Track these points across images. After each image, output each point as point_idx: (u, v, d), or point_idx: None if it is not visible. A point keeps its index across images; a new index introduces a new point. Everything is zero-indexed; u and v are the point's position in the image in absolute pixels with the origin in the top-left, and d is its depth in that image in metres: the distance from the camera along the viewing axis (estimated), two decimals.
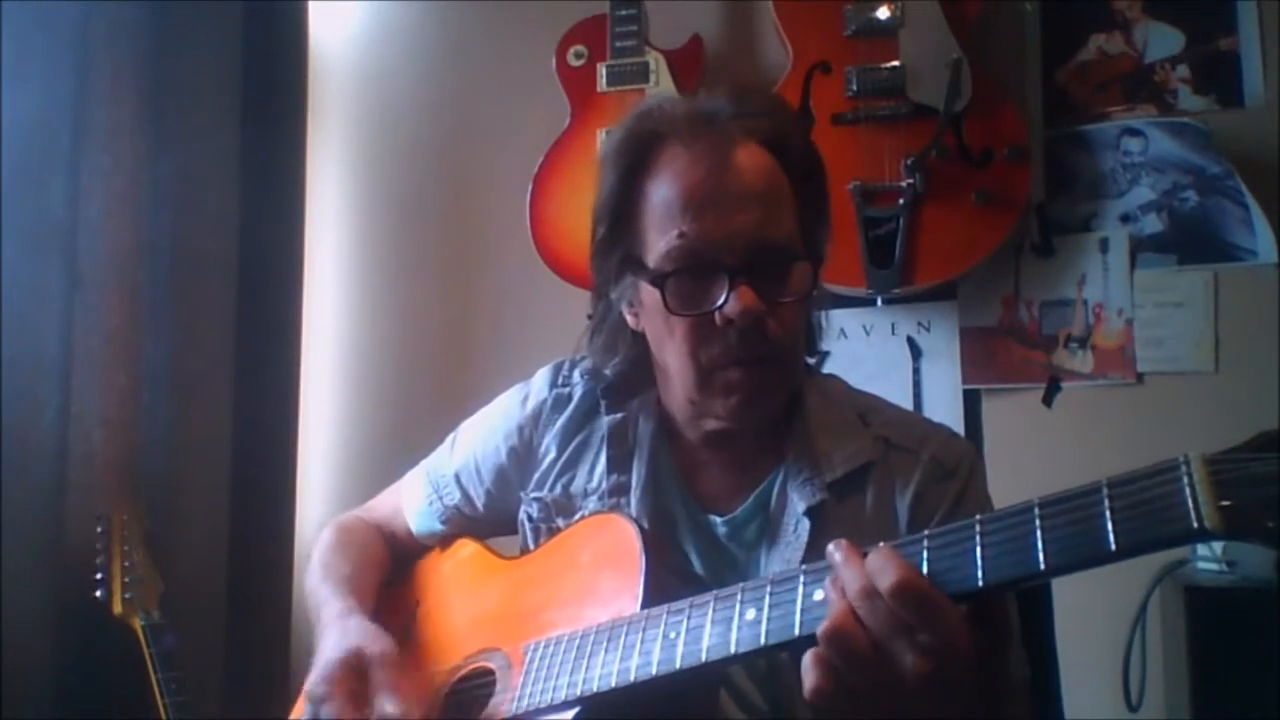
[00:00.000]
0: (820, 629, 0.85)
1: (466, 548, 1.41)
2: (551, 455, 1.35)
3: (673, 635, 0.98)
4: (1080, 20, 2.38)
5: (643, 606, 1.04)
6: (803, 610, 0.89)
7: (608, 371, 1.33)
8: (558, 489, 1.32)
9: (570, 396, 1.37)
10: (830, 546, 0.88)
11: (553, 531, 1.29)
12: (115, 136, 2.20)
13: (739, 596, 0.95)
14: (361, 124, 2.81)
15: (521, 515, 1.35)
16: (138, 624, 2.00)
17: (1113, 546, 0.76)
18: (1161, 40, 2.33)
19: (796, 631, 0.89)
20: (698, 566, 1.23)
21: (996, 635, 0.88)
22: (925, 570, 0.84)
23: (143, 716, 1.95)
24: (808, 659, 0.86)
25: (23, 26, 2.06)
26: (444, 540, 1.44)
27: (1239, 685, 1.77)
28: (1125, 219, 2.31)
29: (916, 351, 2.40)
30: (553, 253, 2.44)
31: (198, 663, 2.14)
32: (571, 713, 1.04)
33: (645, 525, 1.16)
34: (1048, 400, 2.33)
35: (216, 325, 2.40)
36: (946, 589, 0.83)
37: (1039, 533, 0.80)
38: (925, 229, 2.25)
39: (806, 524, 1.17)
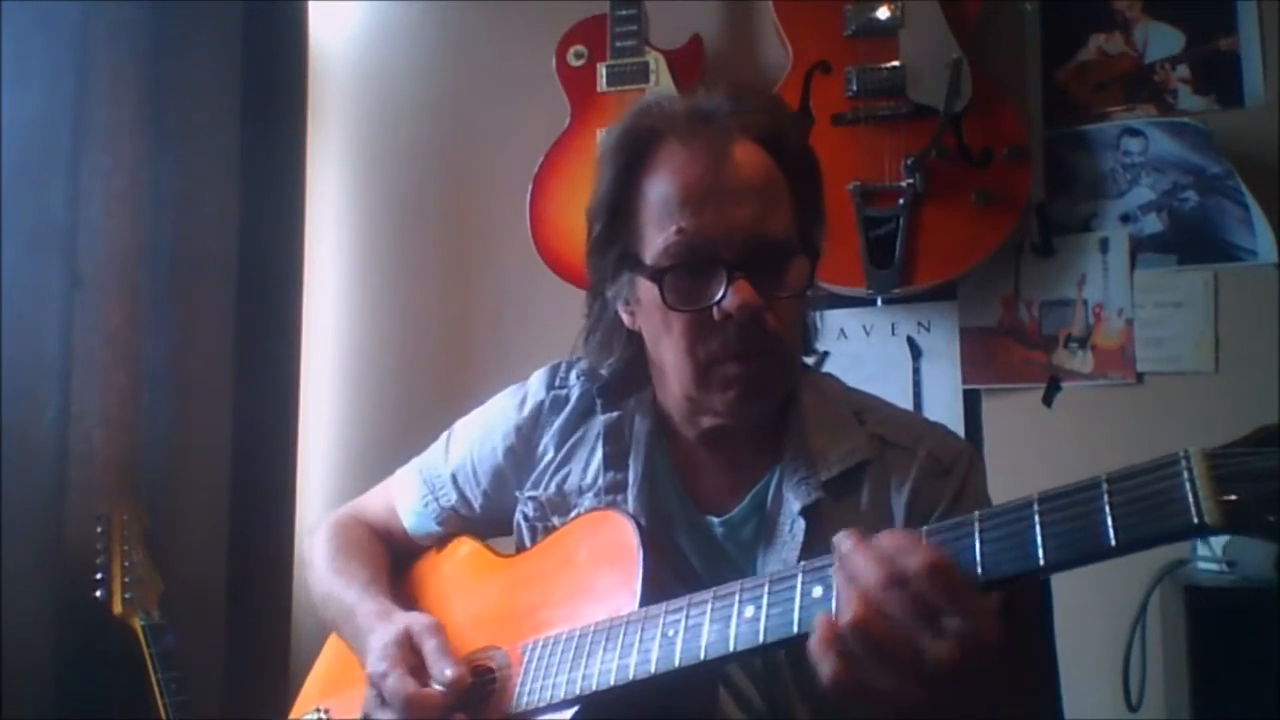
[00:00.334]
0: (844, 621, 0.83)
1: (464, 546, 1.41)
2: (549, 455, 1.35)
3: (671, 633, 0.98)
4: (1080, 20, 2.38)
5: (640, 604, 1.04)
6: (801, 608, 0.89)
7: (603, 371, 1.33)
8: (552, 487, 1.32)
9: (567, 398, 1.37)
10: (838, 537, 0.88)
11: (549, 530, 1.29)
12: (115, 136, 2.20)
13: (737, 594, 0.95)
14: (361, 124, 2.81)
15: (517, 514, 1.35)
16: (138, 624, 2.00)
17: (1112, 541, 0.76)
18: (1161, 40, 2.33)
19: (795, 629, 0.89)
20: (694, 566, 1.23)
21: (1024, 626, 0.87)
22: None
23: (143, 716, 1.95)
24: (818, 647, 0.84)
25: (23, 26, 2.06)
26: (440, 540, 1.44)
27: (1239, 685, 1.77)
28: (1125, 219, 2.31)
29: (916, 351, 2.40)
30: (553, 253, 2.44)
31: (198, 663, 2.14)
32: (571, 711, 1.04)
33: (642, 522, 1.16)
34: (1048, 400, 2.32)
35: (216, 325, 2.40)
36: None
37: (1038, 527, 0.80)
38: (925, 229, 2.24)
39: (802, 524, 1.17)
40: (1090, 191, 2.33)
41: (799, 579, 0.91)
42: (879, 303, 2.35)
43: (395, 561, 1.46)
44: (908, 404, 2.35)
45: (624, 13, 2.44)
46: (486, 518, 1.41)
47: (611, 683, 1.00)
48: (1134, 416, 2.24)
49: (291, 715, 1.44)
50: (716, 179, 1.15)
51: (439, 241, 2.74)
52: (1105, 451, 2.12)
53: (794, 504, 1.19)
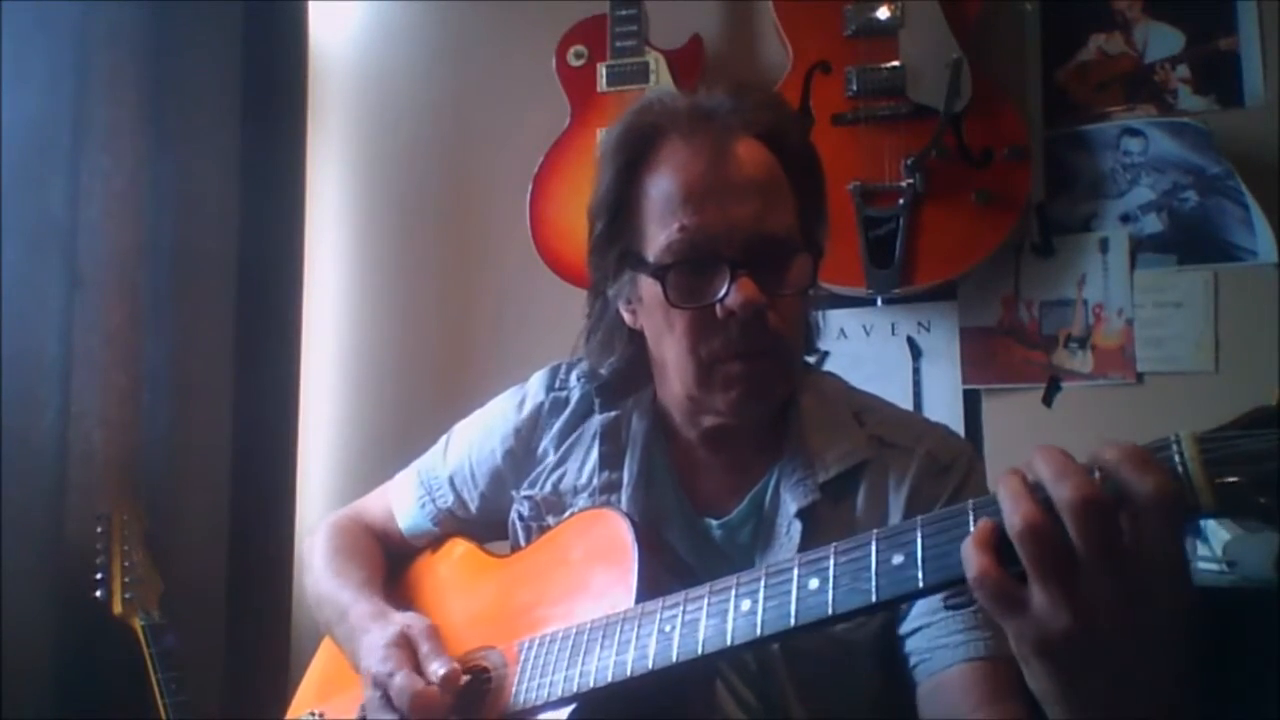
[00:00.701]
0: (1014, 525, 0.74)
1: (459, 547, 1.41)
2: (550, 458, 1.34)
3: (668, 629, 0.97)
4: (1080, 20, 2.38)
5: (636, 601, 1.04)
6: (798, 600, 0.89)
7: (603, 370, 1.32)
8: (548, 487, 1.32)
9: (567, 400, 1.36)
10: (1039, 454, 0.77)
11: (543, 530, 1.29)
12: (115, 136, 2.20)
13: (734, 588, 0.95)
14: (361, 124, 2.81)
15: (513, 514, 1.35)
16: (138, 624, 2.00)
17: None
18: (1161, 40, 2.33)
19: (793, 622, 0.88)
20: (690, 564, 1.23)
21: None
22: (919, 556, 0.82)
23: (143, 716, 1.95)
24: (971, 545, 0.76)
25: (23, 26, 2.07)
26: (435, 541, 1.44)
27: (1239, 685, 1.76)
28: (1125, 219, 2.30)
29: (916, 351, 2.40)
30: (553, 253, 2.44)
31: (198, 663, 2.14)
32: (568, 709, 1.04)
33: (636, 520, 1.15)
34: (1048, 400, 2.32)
35: (216, 325, 2.40)
36: (942, 573, 0.81)
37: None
38: (925, 229, 2.24)
39: (799, 525, 1.17)
40: (1090, 191, 2.33)
41: (795, 571, 0.90)
42: (879, 303, 2.35)
43: (392, 563, 1.46)
44: (908, 404, 2.35)
45: (624, 13, 2.44)
46: (483, 519, 1.41)
47: (609, 679, 1.00)
48: (1134, 416, 2.24)
49: (287, 718, 1.43)
50: (719, 176, 1.15)
51: (439, 241, 2.74)
52: None
53: (791, 506, 1.19)
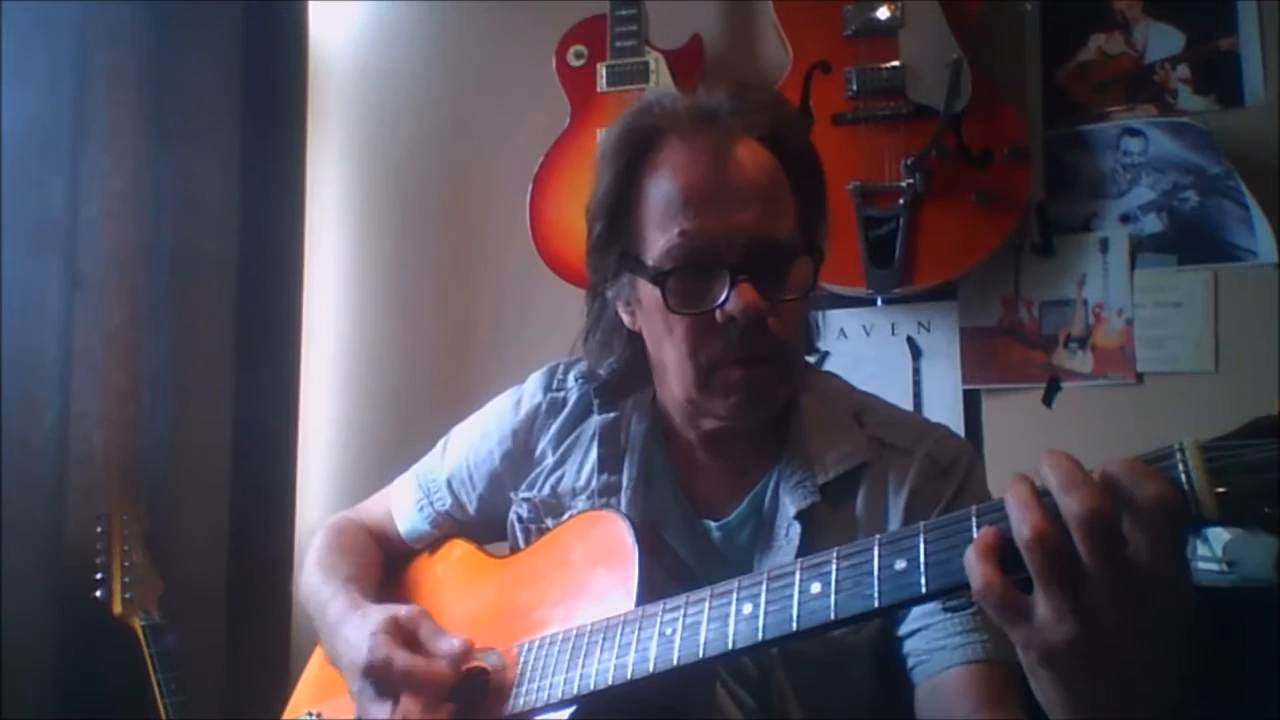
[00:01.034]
0: (1021, 534, 0.75)
1: (458, 549, 1.40)
2: (548, 459, 1.34)
3: (669, 631, 0.97)
4: (1080, 20, 2.38)
5: (637, 603, 1.04)
6: (800, 604, 0.89)
7: (602, 371, 1.32)
8: (547, 489, 1.32)
9: (565, 401, 1.36)
10: (1048, 460, 0.78)
11: (542, 532, 1.29)
12: (115, 136, 2.20)
13: (735, 592, 0.95)
14: (361, 124, 2.81)
15: (511, 515, 1.35)
16: (138, 624, 2.00)
17: None
18: (1161, 40, 2.33)
19: (794, 626, 0.88)
20: (690, 566, 1.23)
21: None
22: (922, 561, 0.82)
23: (143, 716, 1.95)
24: (974, 554, 0.77)
25: (23, 26, 2.07)
26: (434, 543, 1.44)
27: (1239, 685, 1.76)
28: (1125, 219, 2.30)
29: (916, 351, 2.39)
30: (553, 253, 2.44)
31: (198, 663, 2.14)
32: (568, 711, 1.04)
33: (636, 522, 1.15)
34: (1048, 400, 2.32)
35: (216, 325, 2.40)
36: (945, 580, 0.81)
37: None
38: (925, 229, 2.24)
39: (798, 528, 1.17)
40: (1090, 191, 2.33)
41: (797, 575, 0.90)
42: (879, 303, 2.35)
43: (389, 564, 1.46)
44: (908, 404, 2.35)
45: (624, 13, 2.44)
46: (481, 521, 1.41)
47: (610, 682, 0.99)
48: (1134, 416, 2.24)
49: (284, 718, 1.43)
50: (719, 179, 1.14)
51: (439, 241, 2.74)
52: (1105, 451, 2.11)
53: (790, 508, 1.18)
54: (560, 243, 2.43)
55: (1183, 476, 0.73)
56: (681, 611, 0.98)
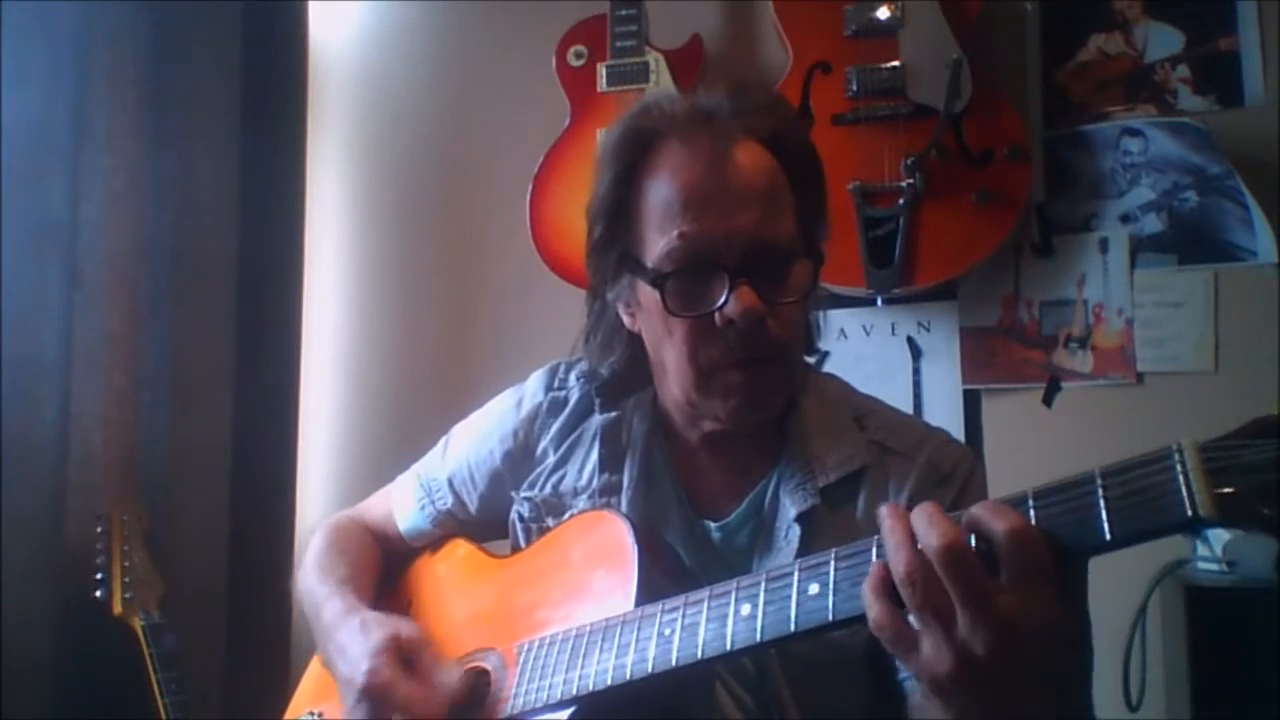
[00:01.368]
0: (897, 572, 0.82)
1: (459, 548, 1.41)
2: (549, 458, 1.34)
3: (668, 632, 0.97)
4: (1080, 20, 2.37)
5: (636, 604, 1.04)
6: (798, 605, 0.89)
7: (603, 371, 1.32)
8: (548, 488, 1.32)
9: (566, 400, 1.36)
10: (883, 509, 0.87)
11: (543, 531, 1.29)
12: (115, 136, 2.20)
13: (734, 592, 0.95)
14: (361, 124, 2.81)
15: (513, 515, 1.35)
16: (138, 624, 2.01)
17: (1107, 535, 0.76)
18: (1161, 40, 2.33)
19: (793, 627, 0.88)
20: (690, 567, 1.23)
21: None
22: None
23: (143, 716, 1.95)
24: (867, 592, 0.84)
25: (23, 26, 2.07)
26: (435, 542, 1.44)
27: (1239, 685, 1.76)
28: (1125, 219, 2.30)
29: (916, 351, 2.39)
30: (553, 253, 2.44)
31: (198, 663, 2.14)
32: (567, 712, 1.04)
33: (637, 523, 1.15)
34: (1048, 400, 2.32)
35: (216, 325, 2.40)
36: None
37: (1033, 522, 0.80)
38: (925, 229, 2.24)
39: (797, 530, 1.17)
40: (1090, 191, 2.33)
41: (795, 577, 0.90)
42: (879, 303, 2.35)
43: (389, 563, 1.46)
44: (908, 404, 2.36)
45: (624, 13, 2.44)
46: (482, 520, 1.41)
47: (609, 683, 1.00)
48: (1134, 416, 2.24)
49: (285, 718, 1.43)
50: (718, 182, 1.14)
51: (439, 241, 2.74)
52: (1105, 452, 2.09)
53: (790, 510, 1.18)
54: (560, 243, 2.43)
55: (1180, 478, 0.73)
56: (680, 612, 0.98)
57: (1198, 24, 2.30)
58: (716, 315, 1.13)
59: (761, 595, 0.92)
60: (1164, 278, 2.27)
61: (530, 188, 2.46)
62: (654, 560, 1.09)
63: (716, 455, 1.26)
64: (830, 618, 0.87)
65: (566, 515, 1.27)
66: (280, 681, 2.32)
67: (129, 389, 2.20)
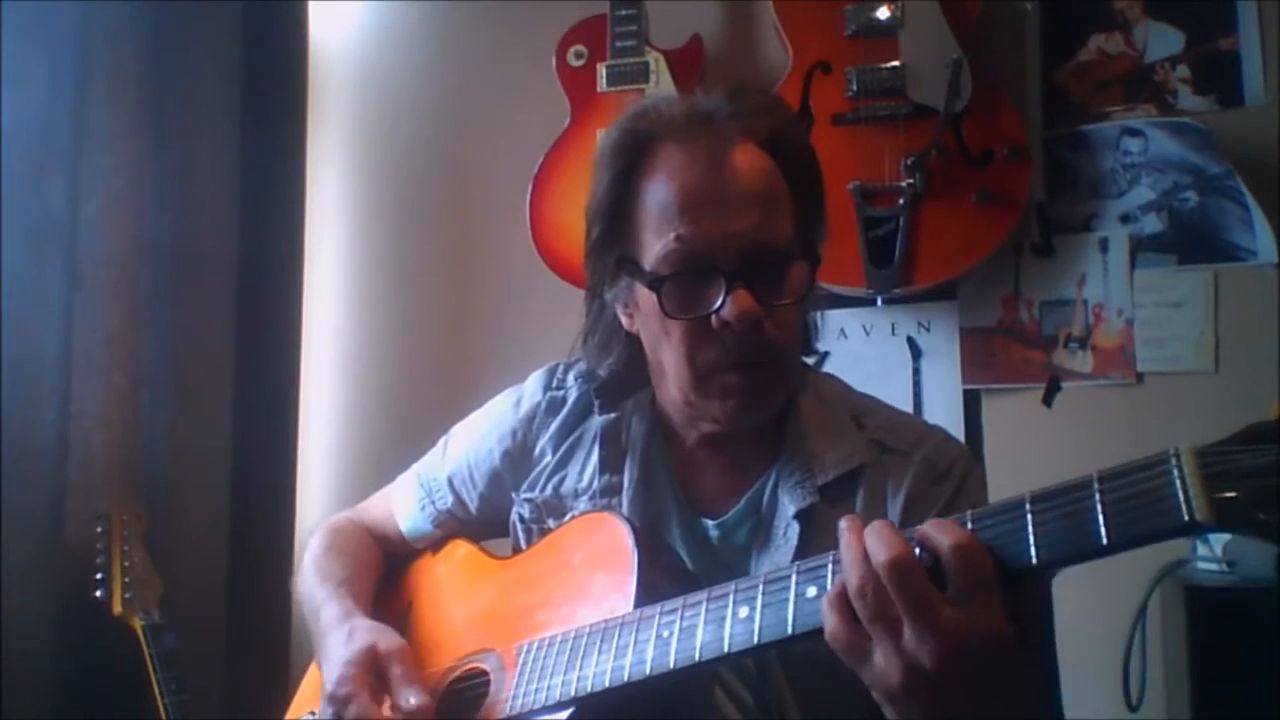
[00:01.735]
0: (850, 585, 0.85)
1: (460, 549, 1.41)
2: (548, 458, 1.34)
3: (666, 634, 0.97)
4: (1080, 20, 2.37)
5: (635, 606, 1.04)
6: (796, 608, 0.89)
7: (602, 371, 1.32)
8: (549, 490, 1.32)
9: (565, 400, 1.36)
10: (842, 522, 0.90)
11: (544, 532, 1.29)
12: (115, 136, 2.21)
13: (732, 595, 0.95)
14: (361, 124, 2.81)
15: (513, 516, 1.35)
16: (138, 624, 2.01)
17: (1104, 540, 0.76)
18: (1161, 40, 2.33)
19: (790, 629, 0.89)
20: (689, 569, 1.23)
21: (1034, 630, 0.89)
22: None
23: (143, 716, 1.95)
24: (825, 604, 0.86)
25: (23, 26, 2.07)
26: (436, 542, 1.44)
27: (1239, 685, 1.76)
28: (1125, 219, 2.30)
29: (916, 351, 2.39)
30: (553, 253, 2.44)
31: (198, 663, 2.14)
32: (566, 713, 1.04)
33: (637, 525, 1.15)
34: (1048, 400, 2.32)
35: (216, 325, 2.40)
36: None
37: (1030, 527, 0.80)
38: (925, 229, 2.24)
39: (796, 528, 1.17)
40: (1090, 191, 2.33)
41: (793, 579, 0.91)
42: (879, 303, 2.35)
43: (389, 564, 1.46)
44: (908, 404, 2.36)
45: (624, 13, 2.44)
46: (483, 520, 1.41)
47: (607, 684, 1.00)
48: (1134, 416, 2.24)
49: (287, 718, 1.44)
50: (715, 185, 1.14)
51: (439, 241, 2.74)
52: (1105, 452, 2.09)
53: (789, 508, 1.18)
54: (560, 243, 2.43)
55: (1177, 483, 0.73)
56: (678, 614, 0.98)
57: (1198, 24, 2.30)
58: (713, 318, 1.13)
59: (759, 598, 0.92)
60: (1164, 278, 2.27)
61: (530, 188, 2.46)
62: (654, 562, 1.09)
63: (715, 455, 1.27)
64: None
65: (567, 516, 1.27)
66: (280, 682, 2.32)
67: (129, 389, 2.20)
